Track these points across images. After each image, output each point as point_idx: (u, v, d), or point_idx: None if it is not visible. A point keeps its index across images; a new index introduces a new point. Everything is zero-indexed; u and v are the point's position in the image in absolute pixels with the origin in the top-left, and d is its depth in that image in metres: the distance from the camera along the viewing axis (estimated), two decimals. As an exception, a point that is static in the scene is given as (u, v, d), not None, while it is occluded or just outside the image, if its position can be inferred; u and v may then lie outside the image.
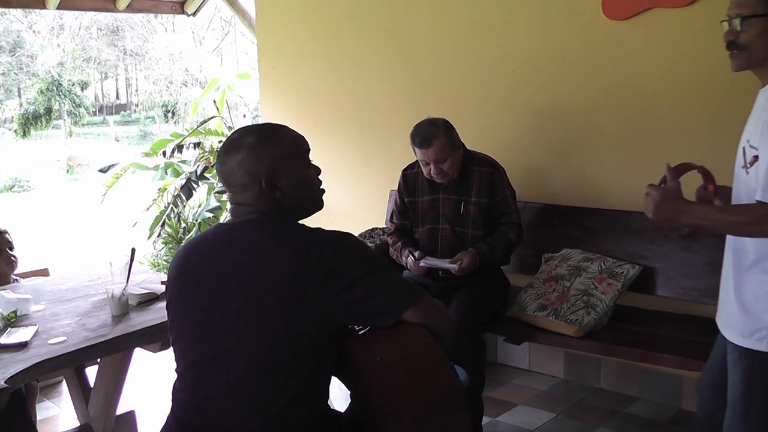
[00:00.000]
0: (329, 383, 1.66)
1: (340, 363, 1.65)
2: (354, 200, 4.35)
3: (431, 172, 2.98)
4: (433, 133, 2.92)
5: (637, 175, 3.11)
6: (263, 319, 1.54)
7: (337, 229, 1.63)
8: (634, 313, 3.04)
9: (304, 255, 1.54)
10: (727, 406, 1.96)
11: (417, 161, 3.11)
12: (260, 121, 5.10)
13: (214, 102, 6.42)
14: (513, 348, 3.63)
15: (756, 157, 1.81)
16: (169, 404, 1.69)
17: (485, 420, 3.03)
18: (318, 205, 1.74)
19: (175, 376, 1.69)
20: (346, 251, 1.57)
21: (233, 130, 1.74)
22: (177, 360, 1.68)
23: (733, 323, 1.91)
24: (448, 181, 3.02)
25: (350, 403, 1.79)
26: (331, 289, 1.53)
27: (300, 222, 1.67)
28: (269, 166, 1.62)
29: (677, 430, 3.05)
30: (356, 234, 3.75)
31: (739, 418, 1.91)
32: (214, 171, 5.83)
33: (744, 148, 1.88)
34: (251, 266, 1.57)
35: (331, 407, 1.73)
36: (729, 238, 1.96)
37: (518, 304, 3.07)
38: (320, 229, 1.63)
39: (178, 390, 1.66)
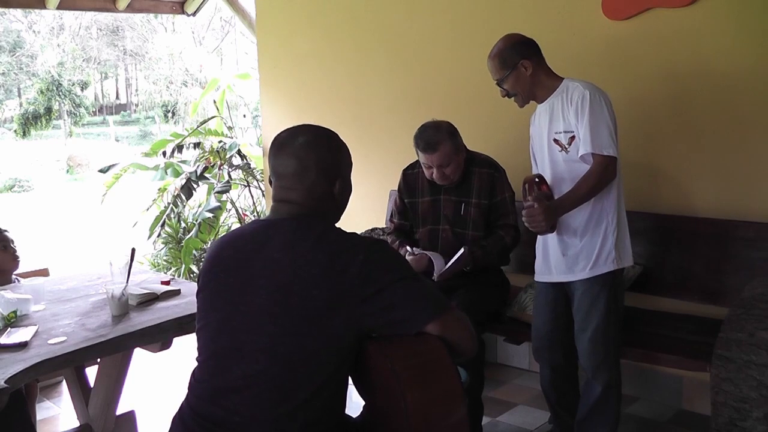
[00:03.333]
0: (347, 388, 1.66)
1: (356, 365, 1.66)
2: (354, 200, 4.32)
3: (433, 175, 2.98)
4: (437, 139, 2.91)
5: (637, 175, 3.11)
6: (289, 317, 1.55)
7: (372, 237, 1.66)
8: (634, 313, 3.04)
9: (336, 258, 1.56)
10: (581, 337, 2.57)
11: (417, 161, 3.11)
12: (260, 121, 5.10)
13: (214, 102, 6.43)
14: (513, 348, 3.63)
15: (572, 137, 2.49)
16: (172, 403, 1.70)
17: (485, 420, 3.03)
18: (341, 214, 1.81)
19: (194, 364, 1.70)
20: (378, 258, 1.58)
21: (291, 127, 1.75)
22: (199, 348, 1.69)
23: (587, 262, 2.52)
24: (450, 184, 3.02)
25: (362, 410, 1.79)
26: (359, 295, 1.54)
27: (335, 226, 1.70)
28: (342, 169, 1.73)
29: (677, 430, 3.05)
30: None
31: (602, 337, 2.53)
32: (215, 171, 5.85)
33: (555, 140, 2.55)
34: (282, 264, 1.58)
35: (345, 413, 1.73)
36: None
37: (518, 304, 3.07)
38: (355, 234, 1.67)
39: (197, 378, 1.67)
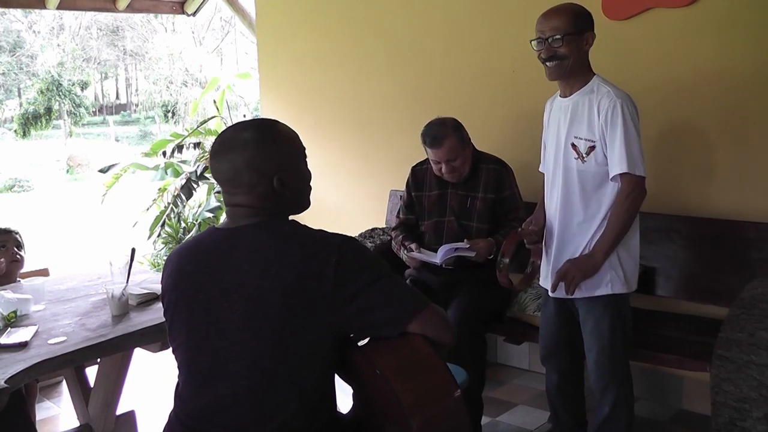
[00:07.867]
0: (334, 387, 1.64)
1: (344, 364, 1.65)
2: (354, 200, 4.35)
3: (443, 170, 3.01)
4: (443, 133, 2.95)
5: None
6: (268, 328, 1.50)
7: (340, 233, 1.59)
8: (634, 313, 3.02)
9: (309, 263, 1.50)
10: (588, 356, 2.51)
11: (426, 159, 3.14)
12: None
13: (214, 102, 6.43)
14: (513, 348, 3.63)
15: (592, 147, 2.35)
16: (171, 404, 1.67)
17: (485, 420, 3.03)
18: (309, 202, 1.70)
19: (177, 376, 1.67)
20: (350, 259, 1.53)
21: (225, 127, 1.70)
22: (179, 368, 1.65)
23: (595, 281, 2.40)
24: (459, 179, 3.04)
25: (352, 405, 1.79)
26: (337, 300, 1.50)
27: (301, 223, 1.64)
28: (279, 162, 1.59)
29: (677, 430, 3.05)
30: (356, 234, 3.74)
31: (608, 359, 2.47)
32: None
33: (573, 144, 2.39)
34: (253, 275, 1.52)
35: (336, 408, 1.72)
36: (557, 227, 2.49)
37: (518, 304, 3.07)
38: (323, 232, 1.58)
39: (182, 398, 1.63)
